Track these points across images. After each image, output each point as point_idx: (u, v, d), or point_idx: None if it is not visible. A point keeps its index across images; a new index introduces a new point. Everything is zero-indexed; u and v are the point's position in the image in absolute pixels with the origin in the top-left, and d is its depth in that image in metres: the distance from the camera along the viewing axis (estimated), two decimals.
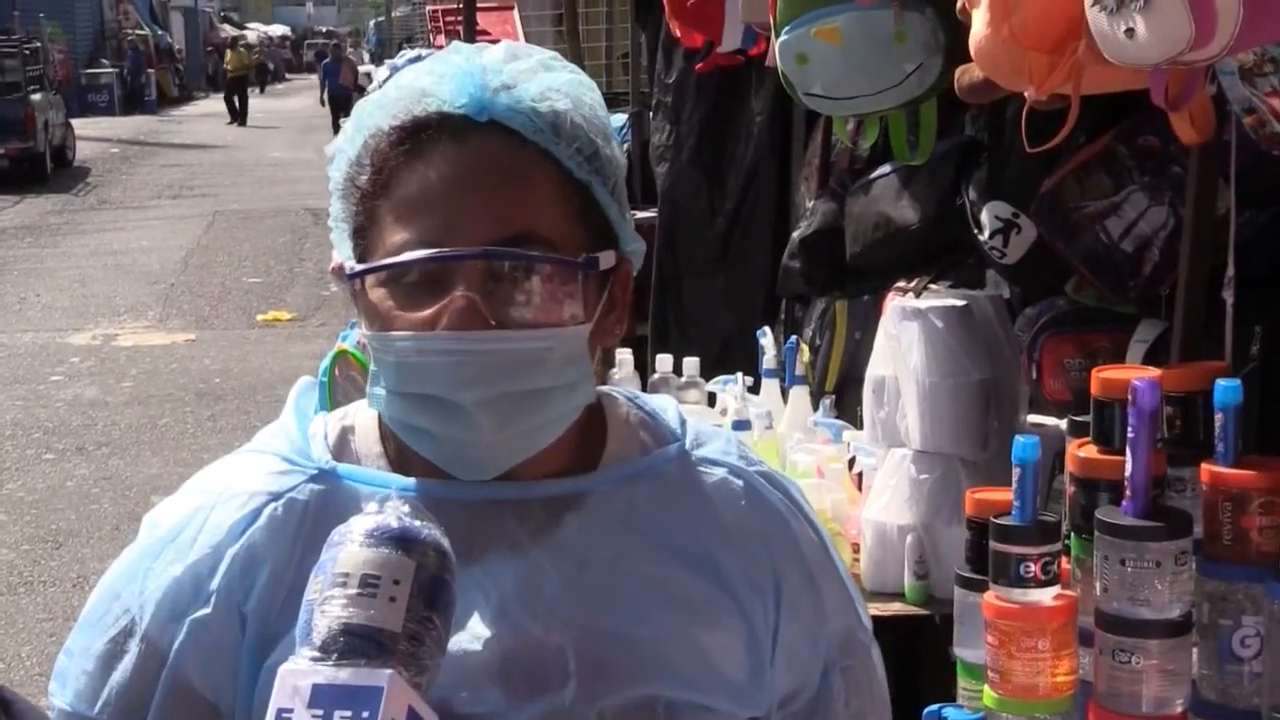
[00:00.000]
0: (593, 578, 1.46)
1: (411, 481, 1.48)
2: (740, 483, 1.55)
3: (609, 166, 1.48)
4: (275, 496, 1.48)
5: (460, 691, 1.39)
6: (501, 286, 1.40)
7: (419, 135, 1.44)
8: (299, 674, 1.25)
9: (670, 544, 1.50)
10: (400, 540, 1.29)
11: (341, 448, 1.52)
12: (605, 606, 1.46)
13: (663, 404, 1.60)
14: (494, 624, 1.43)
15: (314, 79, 40.27)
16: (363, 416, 1.55)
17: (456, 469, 1.45)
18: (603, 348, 1.50)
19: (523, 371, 1.40)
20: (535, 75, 1.46)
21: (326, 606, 1.27)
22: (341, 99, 29.86)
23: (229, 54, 37.77)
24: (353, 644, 1.25)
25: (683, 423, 1.58)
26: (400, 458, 1.51)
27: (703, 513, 1.52)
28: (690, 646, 1.47)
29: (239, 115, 34.72)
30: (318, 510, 1.47)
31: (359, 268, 1.44)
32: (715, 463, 1.55)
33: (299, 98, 41.31)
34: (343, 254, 1.50)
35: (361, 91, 31.13)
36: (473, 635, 1.42)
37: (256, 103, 42.21)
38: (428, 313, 1.40)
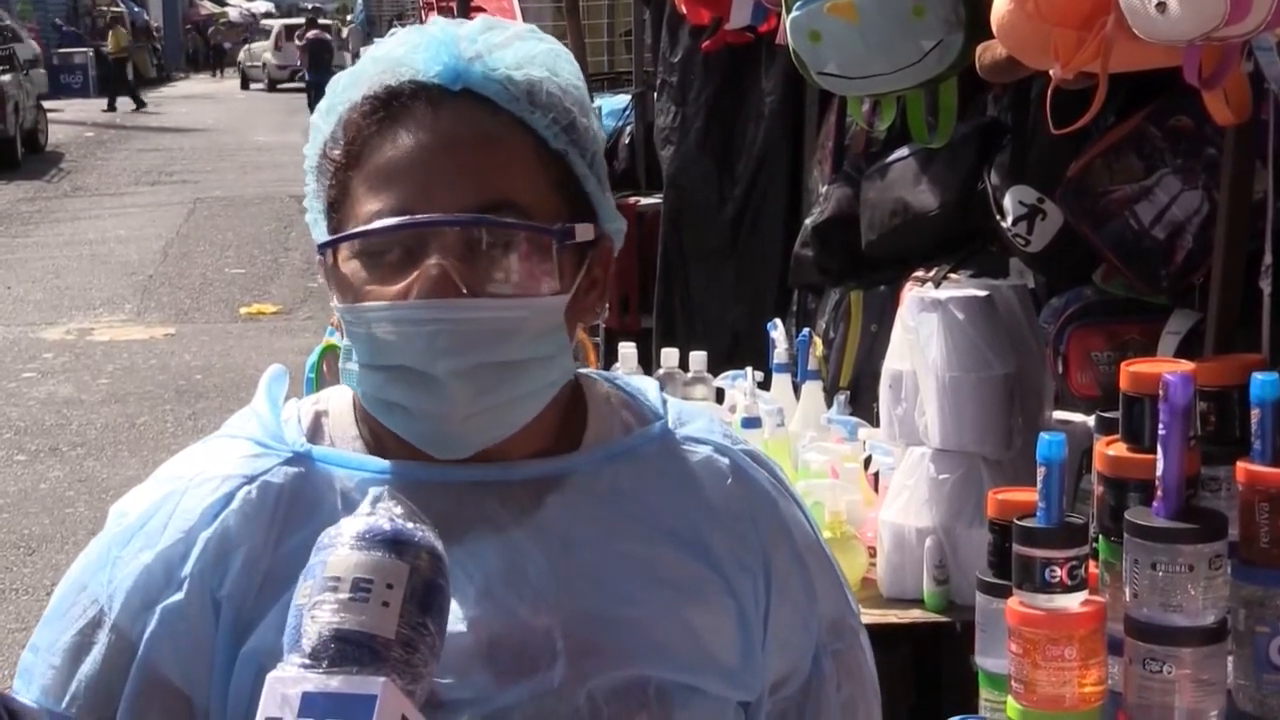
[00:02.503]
0: (578, 558, 1.50)
1: (388, 464, 1.51)
2: (726, 461, 1.59)
3: (586, 138, 1.52)
4: (249, 479, 1.51)
5: (445, 676, 1.41)
6: (477, 255, 1.43)
7: (391, 104, 1.48)
8: (288, 681, 1.25)
9: (657, 523, 1.53)
10: (393, 543, 1.30)
11: (315, 431, 1.56)
12: (591, 587, 1.49)
13: (643, 384, 1.64)
14: (479, 606, 1.46)
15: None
16: (336, 400, 1.59)
17: (432, 446, 1.47)
18: (583, 325, 1.55)
19: (497, 342, 1.43)
20: (511, 45, 1.51)
21: (316, 611, 1.28)
22: (320, 87, 28.68)
23: (110, 35, 35.57)
24: (344, 650, 1.26)
25: (664, 402, 1.62)
26: (377, 440, 1.53)
27: (689, 491, 1.56)
28: (681, 627, 1.50)
29: (133, 99, 33.25)
30: (293, 493, 1.50)
31: (327, 239, 1.48)
32: (699, 441, 1.59)
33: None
34: (317, 234, 1.54)
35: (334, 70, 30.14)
36: (458, 618, 1.44)
37: (230, 85, 42.19)
38: (401, 285, 1.43)
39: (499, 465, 1.50)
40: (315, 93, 25.77)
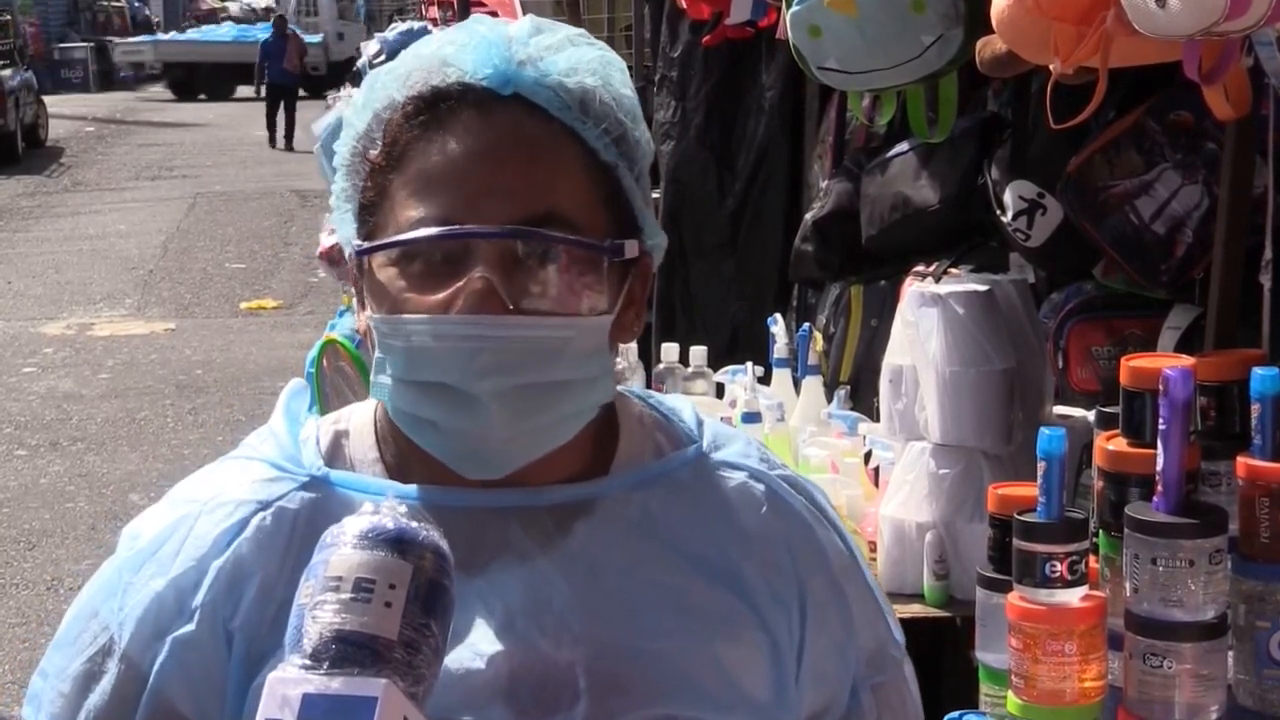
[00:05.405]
0: (605, 588, 1.44)
1: (411, 489, 1.45)
2: (762, 487, 1.53)
3: (636, 151, 1.46)
4: (264, 505, 1.46)
5: (464, 714, 1.38)
6: (522, 269, 1.37)
7: (437, 106, 1.41)
8: (288, 682, 1.24)
9: (688, 552, 1.47)
10: (396, 542, 1.27)
11: (335, 453, 1.50)
12: (619, 619, 1.44)
13: (678, 404, 1.58)
14: (500, 639, 1.41)
15: None
16: (358, 420, 1.53)
17: (464, 466, 1.42)
18: (621, 344, 1.48)
19: (542, 362, 1.38)
20: (562, 50, 1.44)
21: (318, 612, 1.25)
22: (285, 89, 25.18)
23: None
24: (345, 651, 1.24)
25: (700, 424, 1.55)
26: (400, 463, 1.48)
27: (722, 519, 1.50)
28: (710, 662, 1.44)
29: None
30: (309, 520, 1.44)
31: (367, 245, 1.41)
32: (735, 466, 1.53)
33: None
34: (344, 234, 1.48)
35: (311, 78, 29.01)
36: (476, 652, 1.40)
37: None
38: (442, 295, 1.37)
39: (524, 490, 1.44)
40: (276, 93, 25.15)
